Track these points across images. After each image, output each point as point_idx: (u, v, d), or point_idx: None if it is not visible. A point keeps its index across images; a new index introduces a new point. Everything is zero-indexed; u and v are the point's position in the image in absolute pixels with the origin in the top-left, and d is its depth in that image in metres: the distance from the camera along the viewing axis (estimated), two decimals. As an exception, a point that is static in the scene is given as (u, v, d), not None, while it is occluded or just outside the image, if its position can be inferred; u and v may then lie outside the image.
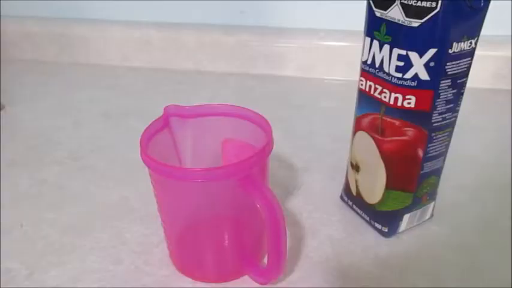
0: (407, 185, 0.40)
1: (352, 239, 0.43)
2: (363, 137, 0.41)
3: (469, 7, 0.33)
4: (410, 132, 0.37)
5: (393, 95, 0.36)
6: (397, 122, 0.37)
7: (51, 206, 0.48)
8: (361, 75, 0.39)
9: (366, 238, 0.43)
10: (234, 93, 0.73)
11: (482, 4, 0.33)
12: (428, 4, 0.32)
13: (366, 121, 0.40)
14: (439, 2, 0.32)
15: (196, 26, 0.80)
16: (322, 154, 0.56)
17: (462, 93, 0.37)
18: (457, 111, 0.38)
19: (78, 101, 0.72)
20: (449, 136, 0.39)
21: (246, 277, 0.38)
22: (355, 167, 0.43)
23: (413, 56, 0.34)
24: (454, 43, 0.34)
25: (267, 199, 0.32)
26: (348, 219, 0.45)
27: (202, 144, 0.41)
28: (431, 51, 0.34)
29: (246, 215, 0.38)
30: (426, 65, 0.34)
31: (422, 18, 0.33)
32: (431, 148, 0.38)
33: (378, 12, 0.36)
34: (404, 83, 0.36)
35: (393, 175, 0.40)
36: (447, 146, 0.40)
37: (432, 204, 0.43)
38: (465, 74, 0.36)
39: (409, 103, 0.36)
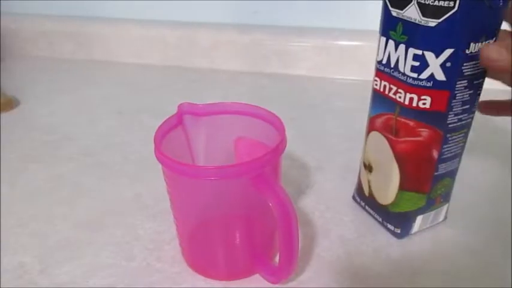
0: (421, 186, 0.40)
1: (364, 240, 0.43)
2: (377, 137, 0.40)
3: (488, 7, 0.32)
4: (425, 133, 0.37)
5: (408, 95, 0.36)
6: (411, 123, 0.37)
7: (65, 201, 0.49)
8: (376, 75, 0.39)
9: (377, 239, 0.43)
10: (247, 91, 0.73)
11: (501, 4, 0.33)
12: (446, 4, 0.32)
13: (379, 121, 0.40)
14: (457, 2, 0.32)
15: (211, 25, 0.81)
16: (334, 154, 0.56)
17: (479, 94, 0.37)
18: (473, 112, 0.38)
19: (93, 98, 0.72)
20: (465, 137, 0.39)
21: (257, 275, 0.38)
22: (368, 168, 0.43)
23: (429, 56, 0.34)
24: (472, 43, 0.33)
25: (279, 198, 0.32)
26: (360, 220, 0.45)
27: (215, 142, 0.41)
28: (448, 52, 0.33)
29: (258, 213, 0.38)
30: (442, 66, 0.34)
31: (440, 18, 0.32)
32: (446, 149, 0.38)
33: (394, 12, 0.35)
34: (420, 83, 0.35)
35: (407, 176, 0.39)
36: (463, 147, 0.39)
37: (446, 206, 0.43)
38: (482, 74, 0.36)
39: (424, 104, 0.36)
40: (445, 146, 0.38)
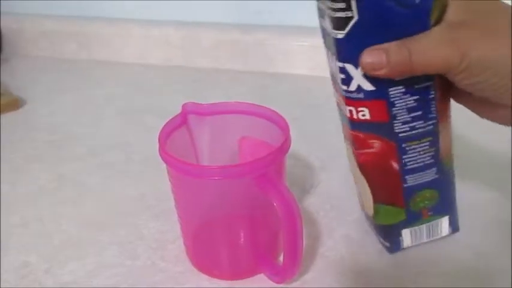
0: (394, 199, 0.37)
1: (369, 239, 0.42)
2: (348, 148, 0.39)
3: (400, 6, 0.29)
4: (376, 144, 0.35)
5: (348, 108, 0.34)
6: (360, 135, 0.34)
7: (70, 201, 0.49)
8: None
9: (382, 238, 0.43)
10: (250, 91, 0.73)
11: (417, 0, 0.29)
12: (344, 14, 0.29)
13: (344, 133, 0.38)
14: (354, 10, 0.29)
15: (213, 25, 0.81)
16: (338, 153, 0.55)
17: (432, 99, 0.33)
18: (433, 118, 0.34)
19: (96, 98, 0.72)
20: (433, 145, 0.35)
21: (261, 275, 0.38)
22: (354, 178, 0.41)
23: (350, 68, 0.32)
24: None
25: (283, 197, 0.32)
26: (364, 219, 0.45)
27: (219, 142, 0.41)
28: None
29: (262, 213, 0.38)
30: (366, 76, 0.31)
31: (345, 29, 0.30)
32: (408, 160, 0.35)
33: (320, 22, 0.34)
34: (351, 95, 0.33)
35: (375, 189, 0.37)
36: (435, 157, 0.36)
37: (445, 219, 0.40)
38: (426, 78, 0.32)
39: (363, 115, 0.33)
40: (405, 157, 0.35)
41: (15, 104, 0.69)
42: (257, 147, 0.39)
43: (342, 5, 0.29)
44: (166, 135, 0.37)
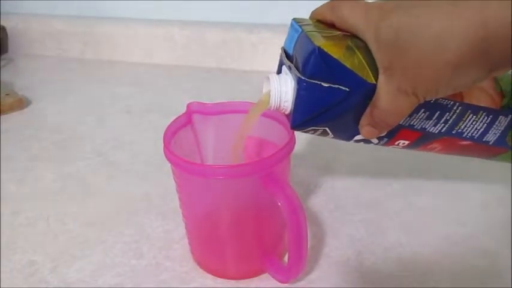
0: None
1: (374, 239, 0.42)
2: None
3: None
4: (436, 145, 0.37)
5: (390, 147, 0.37)
6: (420, 148, 0.38)
7: (75, 200, 0.49)
8: None
9: (387, 239, 0.42)
10: (256, 90, 0.73)
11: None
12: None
13: None
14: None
15: (219, 24, 0.81)
16: (343, 153, 0.55)
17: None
18: (455, 104, 0.35)
19: (102, 98, 0.73)
20: (476, 112, 0.35)
21: (266, 275, 0.38)
22: None
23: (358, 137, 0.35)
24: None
25: (288, 197, 0.32)
26: (369, 219, 0.45)
27: (224, 141, 0.41)
28: None
29: (267, 212, 0.38)
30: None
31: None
32: (469, 130, 0.36)
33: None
34: (381, 144, 0.37)
35: None
36: (488, 113, 0.36)
37: None
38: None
39: (403, 144, 0.36)
40: (465, 131, 0.36)
41: (21, 103, 0.69)
42: (262, 147, 0.39)
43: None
44: (171, 134, 0.37)
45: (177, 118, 0.39)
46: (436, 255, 0.40)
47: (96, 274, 0.39)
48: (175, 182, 0.37)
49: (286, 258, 0.35)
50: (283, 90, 0.32)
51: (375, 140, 0.35)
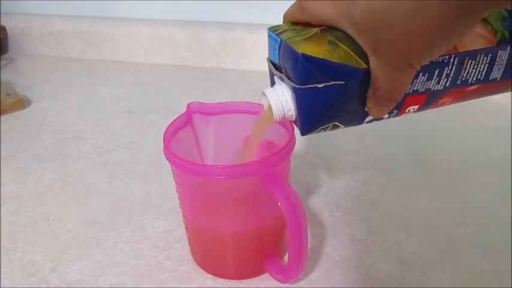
0: None
1: (374, 239, 0.42)
2: None
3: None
4: (446, 99, 0.37)
5: (402, 116, 0.37)
6: (430, 108, 0.37)
7: (75, 200, 0.49)
8: None
9: (388, 238, 0.42)
10: (256, 91, 0.73)
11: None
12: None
13: None
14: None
15: (220, 24, 0.81)
16: (343, 153, 0.55)
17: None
18: (451, 56, 0.34)
19: (102, 98, 0.73)
20: (474, 57, 0.35)
21: (266, 275, 0.38)
22: None
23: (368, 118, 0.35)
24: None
25: (288, 197, 0.32)
26: (370, 219, 0.45)
27: (224, 142, 0.41)
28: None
29: (267, 212, 0.38)
30: None
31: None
32: (470, 76, 0.36)
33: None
34: (392, 116, 0.36)
35: None
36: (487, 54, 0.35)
37: None
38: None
39: (414, 109, 0.36)
40: (469, 78, 0.36)
41: (21, 103, 0.69)
42: (262, 147, 0.39)
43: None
44: (171, 134, 0.37)
45: (177, 118, 0.39)
46: (436, 255, 0.41)
47: (97, 274, 0.40)
48: (175, 182, 0.37)
49: (286, 258, 0.35)
50: (282, 100, 0.32)
51: (386, 115, 0.35)
